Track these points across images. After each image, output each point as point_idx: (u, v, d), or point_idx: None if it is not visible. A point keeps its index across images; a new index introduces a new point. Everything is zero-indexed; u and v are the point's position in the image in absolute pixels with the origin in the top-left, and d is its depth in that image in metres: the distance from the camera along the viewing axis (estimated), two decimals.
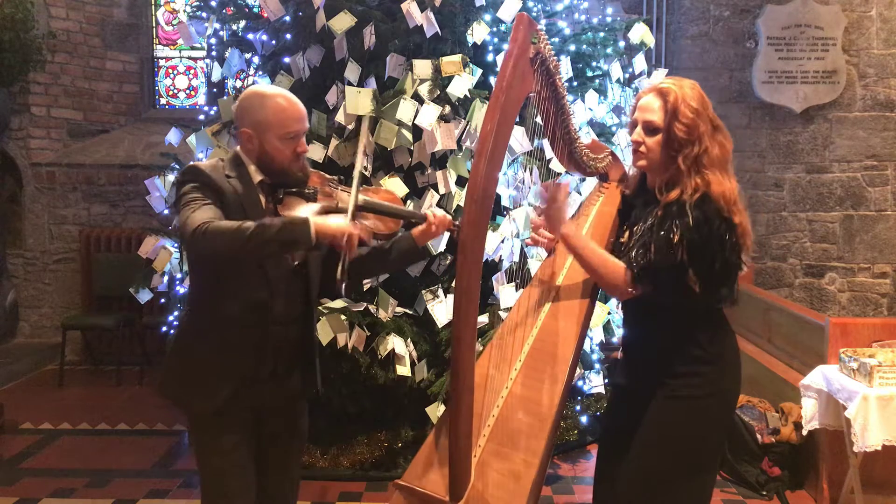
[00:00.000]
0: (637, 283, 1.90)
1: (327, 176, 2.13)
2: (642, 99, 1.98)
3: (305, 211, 1.94)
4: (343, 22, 3.49)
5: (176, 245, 3.91)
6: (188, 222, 1.81)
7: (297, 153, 1.99)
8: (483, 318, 3.44)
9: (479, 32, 3.54)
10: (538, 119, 2.07)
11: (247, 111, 1.97)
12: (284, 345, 2.02)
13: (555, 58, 1.96)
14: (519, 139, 3.37)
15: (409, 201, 3.50)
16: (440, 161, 3.56)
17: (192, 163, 1.99)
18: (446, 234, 3.36)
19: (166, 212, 4.17)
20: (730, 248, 1.86)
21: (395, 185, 3.41)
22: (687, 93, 1.90)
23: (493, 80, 3.68)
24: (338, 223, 1.84)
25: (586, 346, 3.91)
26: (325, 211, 2.00)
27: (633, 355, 2.12)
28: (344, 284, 1.87)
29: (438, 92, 3.43)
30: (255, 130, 1.95)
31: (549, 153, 3.32)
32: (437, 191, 3.50)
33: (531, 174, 3.58)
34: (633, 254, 1.91)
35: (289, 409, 2.13)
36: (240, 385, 1.97)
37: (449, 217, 2.12)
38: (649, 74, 4.24)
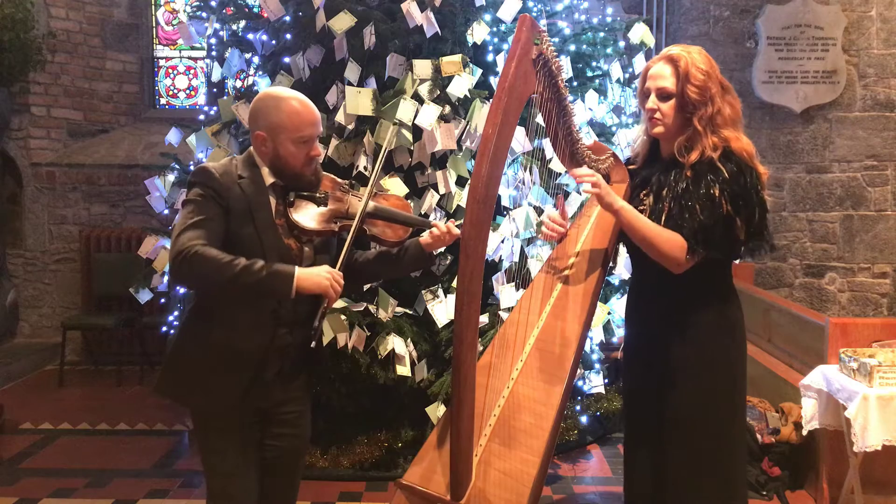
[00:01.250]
0: (694, 251, 1.94)
1: (339, 180, 2.12)
2: (652, 68, 2.04)
3: (313, 213, 1.96)
4: (343, 22, 3.49)
5: None
6: (178, 239, 1.82)
7: (311, 157, 1.99)
8: (483, 318, 3.44)
9: (479, 32, 3.54)
10: (539, 119, 2.07)
11: (261, 113, 1.96)
12: (291, 347, 2.01)
13: (557, 59, 1.97)
14: (519, 139, 3.37)
15: (408, 201, 3.50)
16: (440, 161, 3.56)
17: (204, 164, 1.98)
18: None
19: (166, 212, 4.18)
20: (763, 197, 1.97)
21: (395, 185, 3.41)
22: (695, 57, 1.99)
23: (493, 80, 3.68)
24: (320, 278, 1.85)
25: (586, 346, 3.91)
26: (334, 215, 2.00)
27: (645, 334, 2.16)
28: (315, 331, 1.90)
29: (438, 92, 3.43)
30: (269, 133, 1.95)
31: (549, 153, 3.32)
32: (437, 191, 3.50)
33: (531, 174, 3.58)
34: (679, 221, 1.96)
35: (294, 409, 2.13)
36: (247, 386, 1.96)
37: (457, 230, 2.08)
38: None
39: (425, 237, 2.12)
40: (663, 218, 1.99)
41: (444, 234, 2.07)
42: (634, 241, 2.04)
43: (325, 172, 2.11)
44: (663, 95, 2.00)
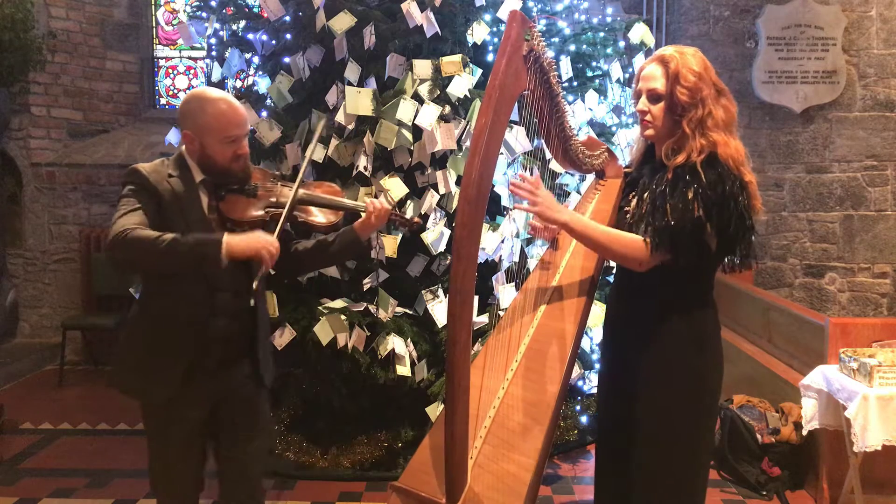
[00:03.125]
0: (656, 250, 1.89)
1: (269, 171, 2.23)
2: (644, 69, 2.00)
3: (243, 204, 2.05)
4: (343, 22, 3.49)
5: None
6: (113, 227, 1.87)
7: (238, 155, 2.05)
8: (483, 319, 3.44)
9: (479, 32, 3.53)
10: (534, 117, 2.06)
11: (188, 114, 2.03)
12: (231, 336, 2.08)
13: (548, 55, 1.95)
14: (519, 139, 3.37)
15: (409, 201, 3.50)
16: (440, 161, 3.55)
17: (134, 165, 2.05)
18: (446, 235, 3.38)
19: None
20: (743, 207, 1.88)
21: (395, 185, 3.41)
22: (688, 59, 1.94)
23: None
24: (252, 241, 1.90)
25: (586, 346, 3.91)
26: (264, 205, 2.09)
27: (618, 335, 2.14)
28: (252, 299, 1.99)
29: (438, 92, 3.43)
30: (196, 133, 2.02)
31: (549, 153, 3.32)
32: (437, 191, 3.50)
33: (531, 174, 3.57)
34: (649, 218, 1.91)
35: (242, 398, 2.17)
36: (188, 375, 2.03)
37: (388, 206, 2.20)
38: None
39: (358, 222, 2.21)
40: (637, 218, 1.97)
41: (373, 212, 2.16)
42: (589, 248, 2.03)
43: (254, 166, 2.19)
44: (653, 97, 1.97)
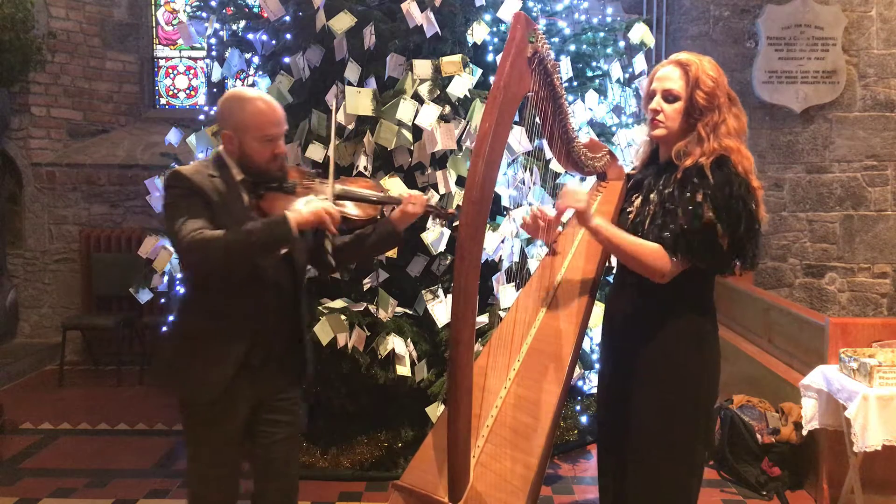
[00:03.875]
0: (674, 257, 1.91)
1: (305, 170, 2.24)
2: (661, 70, 2.02)
3: (284, 203, 2.04)
4: (343, 22, 3.49)
5: None
6: (179, 234, 1.90)
7: (275, 154, 2.06)
8: (483, 319, 3.45)
9: (479, 32, 3.54)
10: (536, 119, 2.06)
11: (228, 114, 2.05)
12: (274, 334, 2.09)
13: (552, 57, 1.96)
14: (519, 139, 3.37)
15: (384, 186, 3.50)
16: (440, 161, 3.56)
17: (174, 167, 2.07)
18: (446, 235, 3.38)
19: None
20: (752, 210, 1.90)
21: (395, 185, 3.41)
22: (706, 65, 1.97)
23: (493, 79, 3.67)
24: (312, 207, 1.93)
25: (587, 346, 3.91)
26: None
27: (617, 335, 2.14)
28: (332, 259, 2.06)
29: (438, 92, 3.43)
30: (235, 132, 2.03)
31: (548, 153, 3.32)
32: (437, 191, 3.50)
33: (531, 174, 3.58)
34: (660, 222, 1.93)
35: (286, 396, 2.17)
36: (233, 375, 2.02)
37: (424, 196, 2.21)
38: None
39: (395, 213, 2.22)
40: (647, 221, 1.98)
41: (410, 200, 2.18)
42: (615, 256, 2.04)
43: (290, 165, 2.21)
44: (669, 97, 1.98)
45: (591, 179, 2.42)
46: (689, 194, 1.90)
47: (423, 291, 3.49)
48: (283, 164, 2.12)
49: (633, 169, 2.26)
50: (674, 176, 1.96)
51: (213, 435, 2.07)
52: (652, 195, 2.00)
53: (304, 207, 1.93)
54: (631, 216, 2.05)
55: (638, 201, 2.05)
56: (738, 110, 1.99)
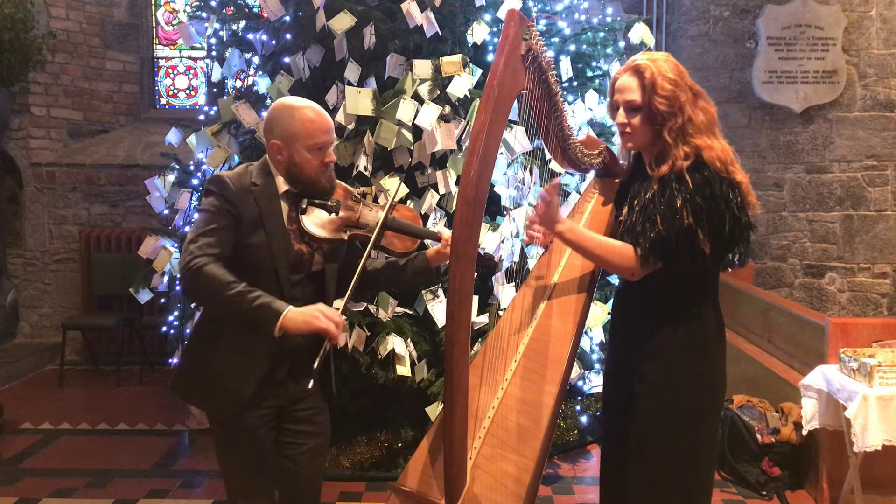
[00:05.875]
0: (648, 259, 1.88)
1: (352, 189, 2.16)
2: (619, 80, 1.97)
3: (324, 221, 2.00)
4: (343, 22, 3.49)
5: (176, 245, 3.91)
6: (189, 245, 1.87)
7: (325, 163, 2.03)
8: (483, 318, 3.44)
9: (479, 32, 3.54)
10: (532, 117, 2.05)
11: (276, 122, 2.01)
12: (301, 347, 2.03)
13: (547, 55, 1.94)
14: (519, 139, 3.37)
15: (409, 201, 3.50)
16: (440, 161, 3.55)
17: (220, 172, 2.03)
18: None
19: (166, 212, 4.18)
20: (736, 207, 1.87)
21: (394, 185, 3.40)
22: (662, 66, 1.91)
23: None
24: (311, 319, 1.84)
25: (586, 346, 3.91)
26: (344, 224, 2.05)
27: (621, 338, 2.12)
28: (312, 381, 1.85)
29: (438, 92, 3.43)
30: (285, 142, 1.99)
31: (549, 153, 3.32)
32: (436, 191, 3.50)
33: (531, 174, 3.58)
34: (639, 229, 1.90)
35: (310, 405, 2.16)
36: (258, 387, 2.00)
37: None
38: None
39: (431, 251, 2.16)
40: (631, 229, 1.95)
41: (446, 245, 2.09)
42: (584, 257, 2.03)
43: (338, 181, 2.15)
44: (631, 109, 1.94)
45: (590, 177, 2.41)
46: (667, 199, 1.87)
47: (423, 291, 3.49)
48: (332, 175, 2.08)
49: (621, 175, 2.24)
50: (651, 184, 1.92)
51: (240, 442, 2.05)
52: (635, 202, 1.97)
53: (304, 316, 1.85)
54: (623, 225, 2.02)
55: (624, 210, 2.03)
56: (705, 102, 1.94)
